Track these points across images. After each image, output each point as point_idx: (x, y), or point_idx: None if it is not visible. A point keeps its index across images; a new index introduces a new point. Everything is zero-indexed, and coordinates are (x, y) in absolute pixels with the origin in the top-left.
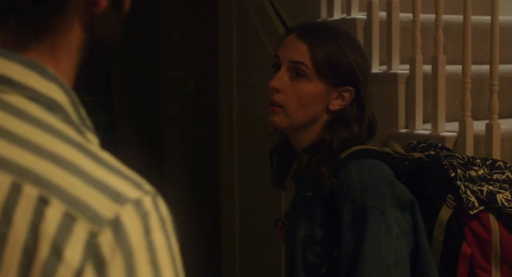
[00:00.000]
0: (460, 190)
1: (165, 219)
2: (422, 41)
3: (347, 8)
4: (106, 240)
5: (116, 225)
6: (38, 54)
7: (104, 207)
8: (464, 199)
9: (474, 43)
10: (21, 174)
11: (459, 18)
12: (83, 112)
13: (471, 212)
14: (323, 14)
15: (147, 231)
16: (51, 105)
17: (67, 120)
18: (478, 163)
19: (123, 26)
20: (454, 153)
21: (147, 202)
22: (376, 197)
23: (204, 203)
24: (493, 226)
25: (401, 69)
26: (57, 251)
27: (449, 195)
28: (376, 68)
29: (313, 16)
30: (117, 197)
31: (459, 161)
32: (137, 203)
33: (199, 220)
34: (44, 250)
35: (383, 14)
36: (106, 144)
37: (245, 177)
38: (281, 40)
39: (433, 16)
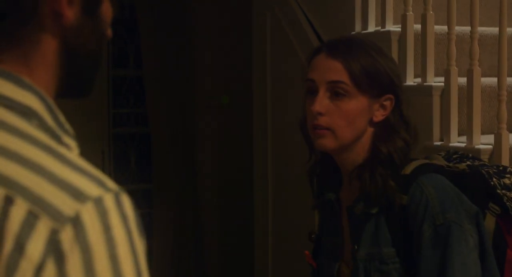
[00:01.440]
0: (505, 198)
1: (128, 216)
2: (457, 53)
3: (382, 21)
4: (66, 236)
5: (76, 222)
6: (12, 65)
7: (66, 205)
8: (509, 207)
9: (509, 55)
10: None
11: (494, 30)
12: (61, 118)
13: None
14: (358, 27)
15: (106, 227)
16: (25, 112)
17: (42, 125)
18: (509, 171)
19: (102, 35)
20: (485, 163)
21: (108, 199)
22: (455, 212)
23: (237, 218)
24: None
25: (436, 82)
26: (19, 247)
27: (491, 204)
28: (411, 81)
29: (348, 29)
30: (79, 195)
31: (493, 170)
32: (98, 201)
33: (232, 235)
34: (8, 246)
35: (418, 26)
36: (139, 156)
37: (279, 192)
38: (309, 63)
39: (468, 28)
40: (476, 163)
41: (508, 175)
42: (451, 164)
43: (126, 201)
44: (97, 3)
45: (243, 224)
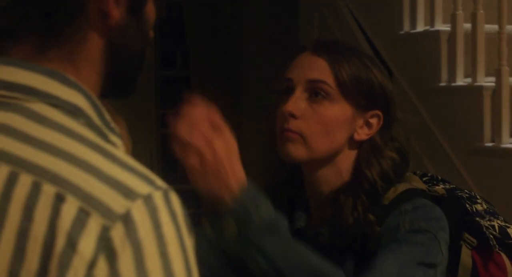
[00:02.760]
0: (484, 228)
1: (177, 214)
2: (508, 52)
3: (431, 20)
4: (117, 233)
5: (127, 220)
6: (58, 63)
7: (116, 202)
8: (490, 237)
9: None
10: (41, 174)
11: None
12: (107, 116)
13: (496, 249)
14: (406, 26)
15: (156, 225)
16: (72, 110)
17: (89, 123)
18: (479, 197)
19: (146, 35)
20: (456, 186)
21: (158, 197)
22: (433, 223)
23: None
24: (508, 268)
25: (487, 82)
26: (72, 244)
27: (466, 235)
28: (461, 81)
29: (396, 29)
30: (129, 193)
31: (465, 194)
32: (147, 198)
33: None
34: (60, 243)
35: (468, 25)
36: None
37: None
38: (291, 62)
39: None
40: (447, 186)
41: (479, 201)
42: (429, 188)
43: (175, 199)
44: (142, 3)
45: None
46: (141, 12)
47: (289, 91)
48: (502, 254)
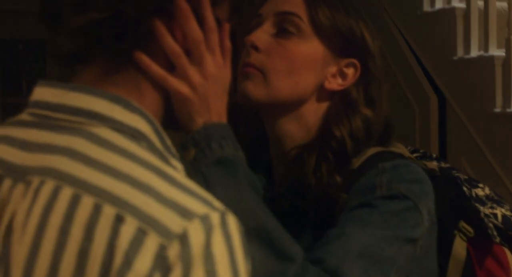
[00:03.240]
0: (483, 215)
1: (232, 236)
2: None
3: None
4: (173, 252)
5: (183, 239)
6: (124, 87)
7: (174, 222)
8: (489, 226)
9: None
10: (102, 196)
11: None
12: (168, 141)
13: (496, 241)
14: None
15: (208, 243)
16: (135, 135)
17: (150, 147)
18: (480, 183)
19: None
20: (453, 167)
21: (214, 217)
22: (415, 188)
23: None
24: (510, 263)
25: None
26: (128, 261)
27: (462, 223)
28: (475, 53)
29: (415, 7)
30: (186, 213)
31: (464, 176)
32: (204, 218)
33: None
34: (117, 261)
35: (481, 3)
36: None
37: None
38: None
39: None
40: (443, 165)
41: (481, 185)
42: (416, 159)
43: (232, 221)
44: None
45: None
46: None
47: (257, 26)
48: (504, 248)
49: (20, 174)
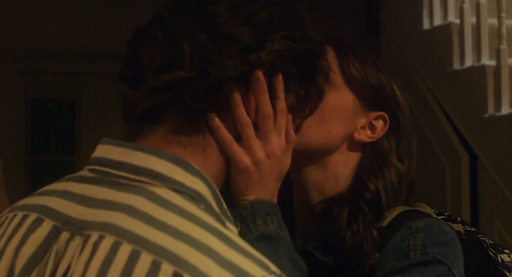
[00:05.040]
0: None
1: None
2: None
3: (478, 56)
4: None
5: None
6: (190, 149)
7: None
8: None
9: None
10: (161, 253)
11: None
12: (225, 205)
13: None
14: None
15: None
16: (194, 196)
17: (208, 209)
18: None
19: None
20: (477, 230)
21: None
22: (449, 251)
23: None
24: None
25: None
26: None
27: None
28: (506, 111)
29: (445, 65)
30: (243, 275)
31: (490, 241)
32: None
33: None
34: None
35: (511, 60)
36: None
37: None
38: None
39: None
40: (467, 228)
41: (506, 251)
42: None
43: None
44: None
45: None
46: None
47: None
48: None
49: (77, 227)
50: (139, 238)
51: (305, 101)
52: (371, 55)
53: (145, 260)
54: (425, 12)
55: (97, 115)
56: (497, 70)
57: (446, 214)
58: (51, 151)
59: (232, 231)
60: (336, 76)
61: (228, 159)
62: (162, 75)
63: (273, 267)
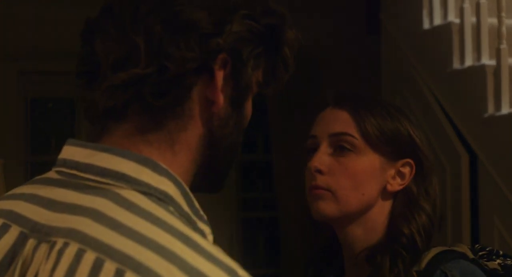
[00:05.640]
0: None
1: None
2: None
3: (478, 56)
4: None
5: None
6: (157, 148)
7: None
8: None
9: None
10: (125, 262)
11: None
12: (196, 204)
13: None
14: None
15: None
16: (162, 198)
17: (178, 211)
18: None
19: (242, 131)
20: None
21: None
22: None
23: None
24: None
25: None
26: None
27: None
28: (506, 110)
29: (445, 64)
30: None
31: None
32: None
33: None
34: None
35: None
36: (268, 241)
37: None
38: (315, 119)
39: None
40: (509, 262)
41: None
42: (478, 260)
43: None
44: (244, 97)
45: None
46: (242, 107)
47: (315, 148)
48: None
49: (44, 234)
50: (104, 246)
51: (273, 75)
52: (383, 102)
53: (108, 269)
54: (425, 12)
55: None
56: (497, 70)
57: (487, 249)
58: (52, 150)
59: (203, 232)
60: (358, 140)
61: (197, 154)
62: (119, 73)
63: (241, 273)
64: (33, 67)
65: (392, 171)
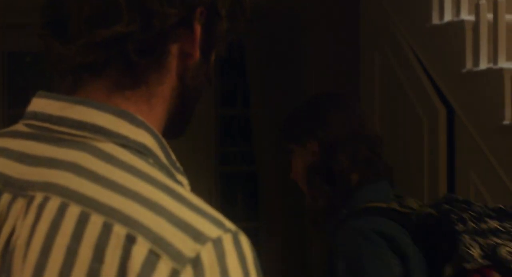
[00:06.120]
0: (461, 243)
1: (246, 257)
2: None
3: (457, 11)
4: None
5: (196, 264)
6: (134, 102)
7: (186, 246)
8: (463, 252)
9: None
10: (112, 215)
11: None
12: (172, 156)
13: (467, 265)
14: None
15: (224, 269)
16: (141, 150)
17: (157, 163)
18: (495, 213)
19: (209, 78)
20: (474, 206)
21: (227, 240)
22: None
23: None
24: None
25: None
26: None
27: (454, 251)
28: (484, 65)
29: (424, 20)
30: (198, 236)
31: (473, 214)
32: (217, 242)
33: None
34: None
35: (490, 15)
36: (246, 195)
37: None
38: None
39: None
40: (463, 206)
41: (488, 220)
42: (413, 208)
43: (244, 241)
44: (213, 47)
45: None
46: (211, 56)
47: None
48: (494, 272)
49: (19, 188)
50: (87, 199)
51: (227, 33)
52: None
53: (95, 222)
54: None
55: None
56: (476, 25)
57: (454, 197)
58: (28, 104)
59: (181, 183)
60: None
61: (169, 104)
62: (99, 30)
63: (228, 224)
64: (10, 20)
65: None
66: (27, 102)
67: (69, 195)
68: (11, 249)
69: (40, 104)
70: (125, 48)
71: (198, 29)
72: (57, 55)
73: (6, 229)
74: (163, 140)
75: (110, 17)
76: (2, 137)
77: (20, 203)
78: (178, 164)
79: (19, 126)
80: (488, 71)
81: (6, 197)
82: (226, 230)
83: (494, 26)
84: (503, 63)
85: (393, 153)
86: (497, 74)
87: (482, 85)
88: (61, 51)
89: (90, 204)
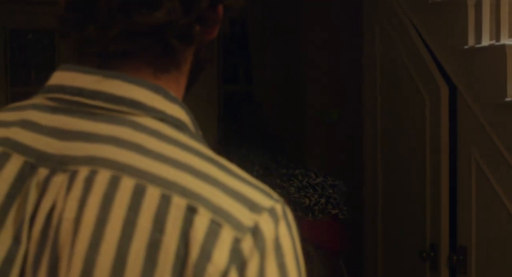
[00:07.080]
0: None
1: (292, 226)
2: None
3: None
4: (247, 245)
5: (256, 232)
6: (166, 81)
7: (244, 215)
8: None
9: None
10: (169, 186)
11: None
12: (199, 131)
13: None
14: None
15: (276, 236)
16: (178, 124)
17: (193, 137)
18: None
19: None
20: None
21: (278, 209)
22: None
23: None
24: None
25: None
26: (206, 255)
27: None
28: (487, 42)
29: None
30: (254, 206)
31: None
32: (271, 211)
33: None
34: (194, 253)
35: None
36: (248, 169)
37: (388, 210)
38: None
39: None
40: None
41: (314, 175)
42: None
43: (289, 212)
44: (218, 23)
45: (353, 241)
46: (216, 32)
47: None
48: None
49: (57, 163)
50: (140, 171)
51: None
52: None
53: (152, 194)
54: None
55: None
56: (478, 2)
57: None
58: (31, 82)
59: None
60: None
61: (189, 76)
62: (138, 18)
63: (275, 196)
64: None
65: None
66: (29, 80)
67: (120, 168)
68: (55, 224)
69: (67, 77)
70: (165, 35)
71: (221, 8)
72: (85, 40)
73: (45, 204)
74: (193, 116)
75: (146, 3)
76: (25, 110)
77: (60, 178)
78: (204, 140)
79: (40, 100)
80: (490, 47)
81: (43, 172)
82: (276, 200)
83: (496, 2)
84: (505, 40)
85: (395, 130)
86: (499, 51)
87: (484, 62)
88: (92, 36)
89: (144, 176)
